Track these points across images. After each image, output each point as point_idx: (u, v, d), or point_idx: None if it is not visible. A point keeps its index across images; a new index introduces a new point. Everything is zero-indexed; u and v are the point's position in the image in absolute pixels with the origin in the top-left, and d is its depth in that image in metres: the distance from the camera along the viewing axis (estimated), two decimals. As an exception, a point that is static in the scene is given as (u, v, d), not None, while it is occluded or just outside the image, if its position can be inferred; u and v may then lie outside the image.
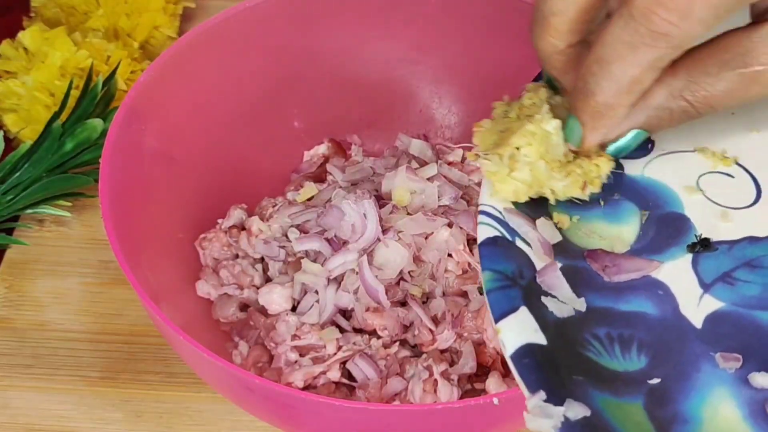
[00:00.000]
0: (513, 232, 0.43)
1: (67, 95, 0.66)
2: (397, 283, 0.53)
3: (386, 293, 0.52)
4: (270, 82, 0.62)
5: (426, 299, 0.54)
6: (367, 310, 0.53)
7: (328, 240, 0.54)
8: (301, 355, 0.53)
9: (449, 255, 0.54)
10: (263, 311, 0.55)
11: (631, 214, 0.46)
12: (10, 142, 0.68)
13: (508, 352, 0.39)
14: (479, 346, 0.53)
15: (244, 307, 0.57)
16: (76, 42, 0.68)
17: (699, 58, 0.41)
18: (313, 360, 0.53)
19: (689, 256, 0.44)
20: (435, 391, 0.50)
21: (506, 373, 0.53)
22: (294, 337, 0.53)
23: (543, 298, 0.41)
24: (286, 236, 0.56)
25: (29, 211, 0.64)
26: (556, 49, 0.43)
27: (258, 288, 0.56)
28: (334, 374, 0.52)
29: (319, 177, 0.63)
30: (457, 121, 0.66)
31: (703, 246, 0.44)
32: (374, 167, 0.61)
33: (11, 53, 0.69)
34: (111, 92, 0.67)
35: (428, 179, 0.56)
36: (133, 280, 0.46)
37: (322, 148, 0.65)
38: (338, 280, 0.54)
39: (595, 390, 0.39)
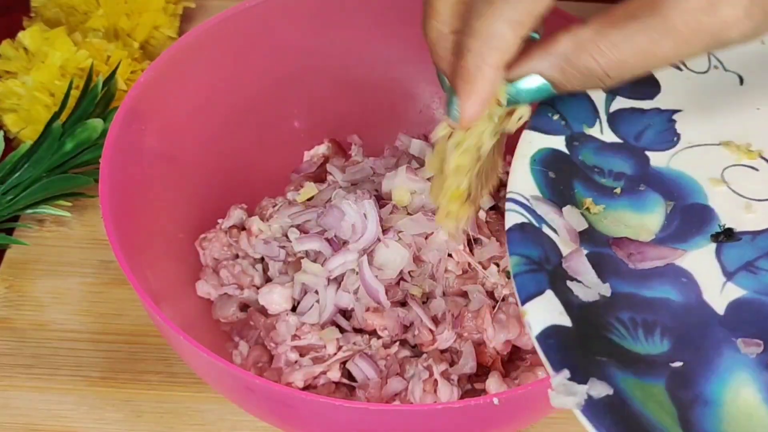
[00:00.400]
0: (540, 218, 0.44)
1: (67, 95, 0.66)
2: (397, 283, 0.53)
3: (386, 293, 0.52)
4: (270, 82, 0.62)
5: (426, 299, 0.54)
6: (367, 310, 0.53)
7: (328, 240, 0.54)
8: (301, 355, 0.53)
9: (449, 255, 0.54)
10: (263, 311, 0.55)
11: (657, 204, 0.47)
12: (10, 142, 0.68)
13: (533, 332, 0.40)
14: (479, 346, 0.53)
15: (244, 307, 0.57)
16: (76, 42, 0.68)
17: (610, 12, 0.40)
18: (313, 360, 0.53)
19: (713, 246, 0.45)
20: (435, 391, 0.50)
21: (506, 373, 0.54)
22: (294, 337, 0.53)
23: (568, 283, 0.42)
24: (286, 236, 0.56)
25: (29, 211, 0.64)
26: (441, 34, 0.43)
27: (258, 288, 0.56)
28: (334, 374, 0.52)
29: (319, 177, 0.63)
30: (457, 121, 0.66)
31: (726, 236, 0.45)
32: (374, 167, 0.61)
33: (11, 53, 0.69)
34: (111, 92, 0.67)
35: (428, 179, 0.56)
36: (133, 280, 0.46)
37: (322, 148, 0.65)
38: (338, 280, 0.54)
39: (618, 370, 0.39)
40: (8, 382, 0.58)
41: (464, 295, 0.54)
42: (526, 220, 0.44)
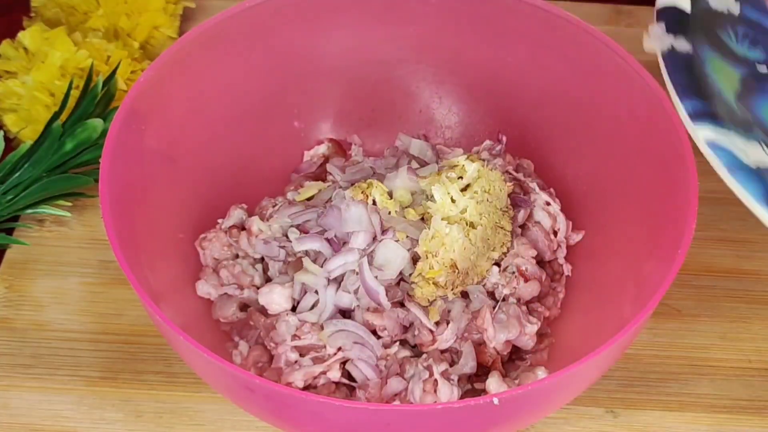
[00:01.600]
0: None
1: (67, 95, 0.66)
2: (397, 284, 0.53)
3: (386, 294, 0.52)
4: (270, 82, 0.62)
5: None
6: (367, 310, 0.53)
7: (328, 240, 0.54)
8: (301, 355, 0.53)
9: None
10: (263, 311, 0.55)
11: None
12: (10, 142, 0.68)
13: (656, 6, 0.47)
14: (479, 346, 0.53)
15: (244, 307, 0.57)
16: (76, 42, 0.68)
17: None
18: (313, 360, 0.53)
19: None
20: (435, 391, 0.50)
21: (506, 373, 0.54)
22: (294, 337, 0.53)
23: None
24: (286, 236, 0.56)
25: (29, 211, 0.64)
26: None
27: (258, 288, 0.56)
28: (334, 374, 0.52)
29: (319, 177, 0.63)
30: (457, 121, 0.66)
31: None
32: (374, 167, 0.61)
33: (11, 53, 0.69)
34: (111, 92, 0.67)
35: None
36: (133, 280, 0.46)
37: (322, 148, 0.65)
38: (338, 281, 0.54)
39: (709, 48, 0.46)
40: (8, 382, 0.58)
41: (464, 295, 0.54)
42: None
